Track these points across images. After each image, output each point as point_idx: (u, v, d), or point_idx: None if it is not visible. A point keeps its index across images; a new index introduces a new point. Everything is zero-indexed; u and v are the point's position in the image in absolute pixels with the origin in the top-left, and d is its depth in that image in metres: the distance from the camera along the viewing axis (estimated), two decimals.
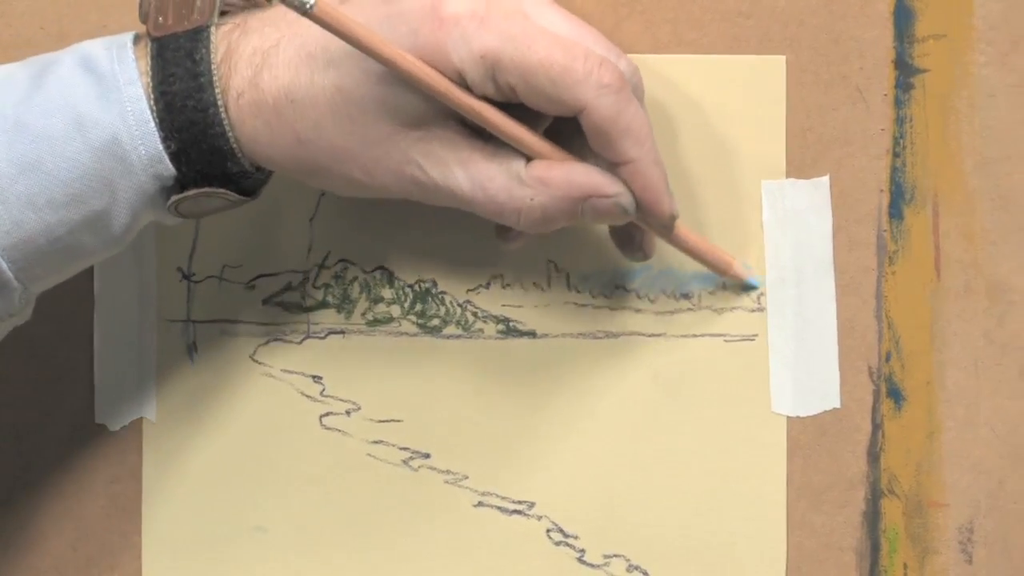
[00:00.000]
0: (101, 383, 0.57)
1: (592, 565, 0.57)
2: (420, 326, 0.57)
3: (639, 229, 0.53)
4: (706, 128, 0.56)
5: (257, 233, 0.57)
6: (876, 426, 0.57)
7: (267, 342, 0.57)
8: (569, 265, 0.57)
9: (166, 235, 0.57)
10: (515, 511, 0.57)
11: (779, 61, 0.57)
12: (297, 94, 0.48)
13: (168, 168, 0.47)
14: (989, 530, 0.57)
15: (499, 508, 0.57)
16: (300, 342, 0.57)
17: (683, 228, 0.53)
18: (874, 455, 0.57)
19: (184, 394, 0.57)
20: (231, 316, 0.57)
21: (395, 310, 0.57)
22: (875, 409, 0.57)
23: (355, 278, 0.57)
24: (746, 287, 0.56)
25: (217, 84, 0.47)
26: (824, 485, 0.57)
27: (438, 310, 0.57)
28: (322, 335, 0.57)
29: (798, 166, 0.57)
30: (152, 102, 0.47)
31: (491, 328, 0.57)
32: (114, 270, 0.57)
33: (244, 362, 0.57)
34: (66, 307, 0.57)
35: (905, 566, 0.57)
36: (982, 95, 0.56)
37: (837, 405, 0.57)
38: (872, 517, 0.57)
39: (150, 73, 0.47)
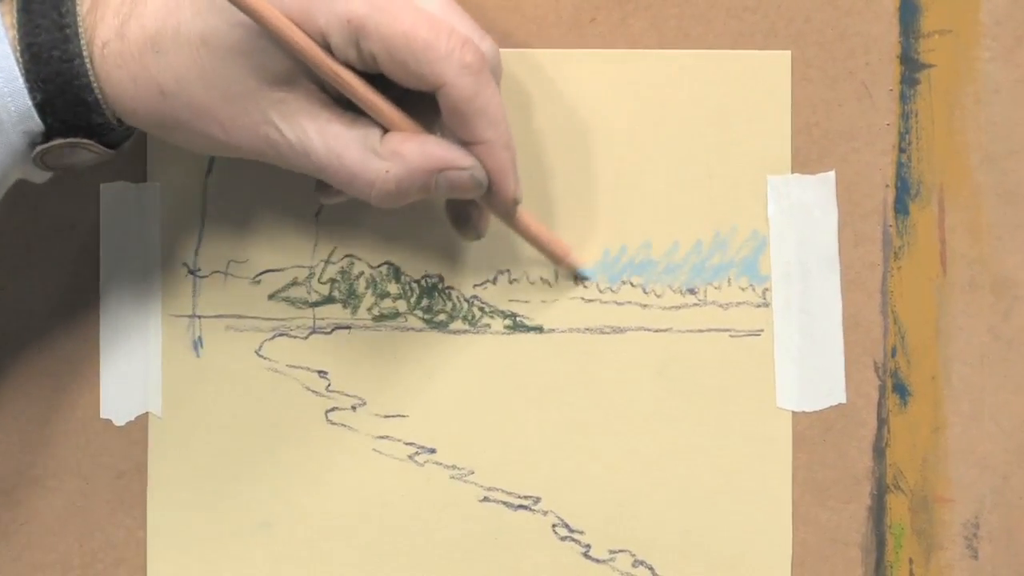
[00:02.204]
0: (106, 378, 0.57)
1: (598, 560, 0.57)
2: (426, 321, 0.57)
3: (476, 208, 0.53)
4: (711, 123, 0.56)
5: (263, 228, 0.57)
6: (882, 421, 0.57)
7: (273, 337, 0.57)
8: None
9: (172, 230, 0.57)
10: (521, 506, 0.57)
11: (784, 56, 0.57)
12: (163, 44, 0.48)
13: (38, 125, 0.48)
14: (995, 525, 0.57)
15: (505, 503, 0.57)
16: (306, 337, 0.57)
17: (524, 213, 0.53)
18: (879, 450, 0.57)
19: (189, 389, 0.57)
20: (237, 311, 0.57)
21: (401, 305, 0.57)
22: (880, 404, 0.57)
23: (361, 273, 0.57)
24: (579, 277, 0.56)
25: (83, 35, 0.48)
26: (829, 480, 0.57)
27: (444, 305, 0.57)
28: (328, 330, 0.57)
29: (803, 161, 0.57)
30: (18, 54, 0.47)
31: (498, 323, 0.57)
32: (119, 265, 0.57)
33: (250, 357, 0.57)
34: (71, 302, 0.57)
35: (910, 561, 0.57)
36: (988, 90, 0.56)
37: (843, 400, 0.57)
38: (877, 512, 0.57)
39: (16, 27, 0.48)
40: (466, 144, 0.49)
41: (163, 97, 0.48)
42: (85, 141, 0.49)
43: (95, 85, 0.48)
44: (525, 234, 0.54)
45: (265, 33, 0.47)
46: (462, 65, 0.48)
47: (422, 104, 0.50)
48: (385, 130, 0.49)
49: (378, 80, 0.49)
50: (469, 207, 0.53)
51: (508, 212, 0.52)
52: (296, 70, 0.48)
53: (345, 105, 0.49)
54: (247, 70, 0.48)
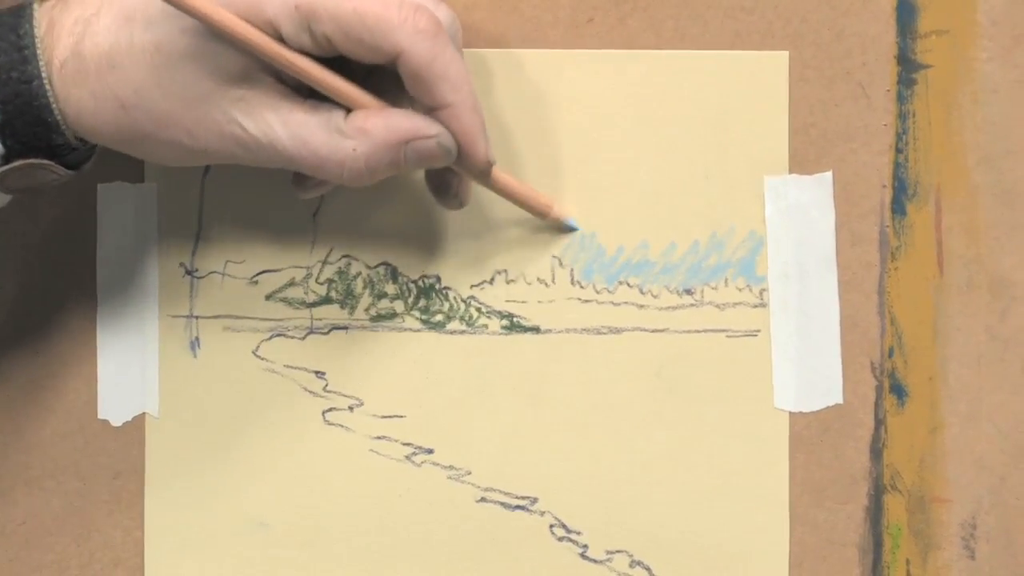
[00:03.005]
0: (104, 378, 0.57)
1: (595, 561, 0.57)
2: (423, 322, 0.57)
3: (455, 175, 0.53)
4: (709, 124, 0.56)
5: (260, 229, 0.57)
6: (879, 422, 0.57)
7: (270, 337, 0.57)
8: (572, 260, 0.57)
9: (169, 231, 0.57)
10: (518, 507, 0.57)
11: (782, 57, 0.57)
12: (118, 58, 0.48)
13: None
14: (992, 526, 0.57)
15: (502, 504, 0.57)
16: (303, 338, 0.57)
17: (500, 173, 0.53)
18: (877, 451, 0.57)
19: (187, 390, 0.57)
20: (234, 312, 0.57)
21: (398, 306, 0.57)
22: (878, 405, 0.57)
23: (358, 274, 0.57)
24: (565, 229, 0.56)
25: (41, 56, 0.48)
26: (827, 481, 0.57)
27: (442, 306, 0.57)
28: (325, 331, 0.57)
29: (801, 162, 0.57)
30: None
31: (495, 324, 0.57)
32: (117, 265, 0.57)
33: (247, 358, 0.57)
34: (68, 302, 0.57)
35: (908, 562, 0.57)
36: (985, 91, 0.56)
37: (840, 401, 0.57)
38: (875, 513, 0.57)
39: None
40: (431, 111, 0.49)
41: (124, 111, 0.48)
42: (45, 162, 0.49)
43: (54, 105, 0.48)
44: (505, 193, 0.54)
45: (217, 34, 0.47)
46: (416, 31, 0.48)
47: (386, 82, 0.50)
48: (349, 111, 0.49)
49: (337, 63, 0.49)
50: (448, 176, 0.53)
51: (483, 174, 0.52)
52: (252, 66, 0.48)
53: (306, 93, 0.49)
54: (204, 73, 0.48)
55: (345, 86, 0.49)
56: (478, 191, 0.54)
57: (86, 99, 0.48)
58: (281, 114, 0.49)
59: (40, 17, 0.49)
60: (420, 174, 0.54)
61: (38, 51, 0.48)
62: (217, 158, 0.50)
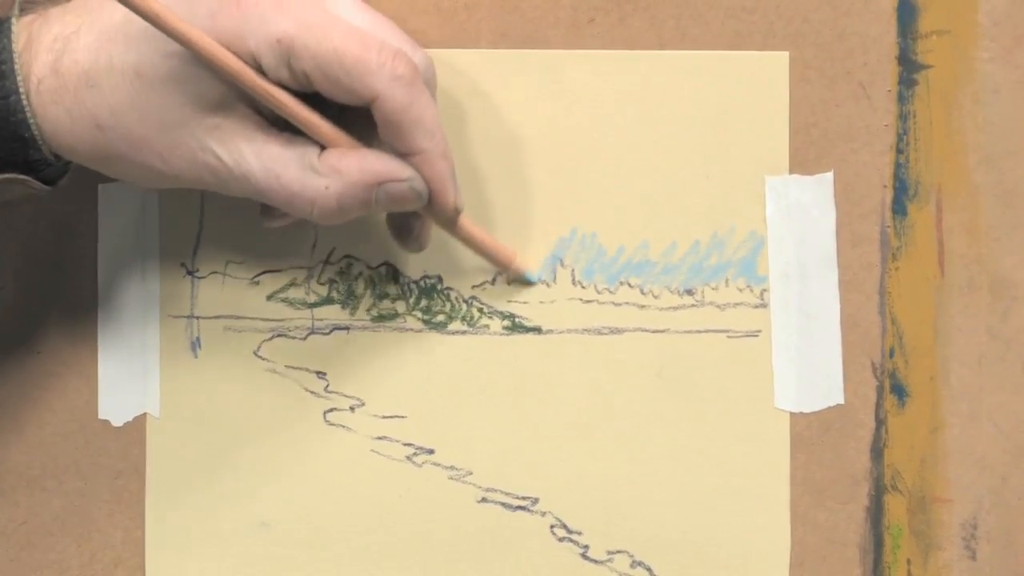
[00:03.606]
0: (105, 379, 0.57)
1: (596, 561, 0.57)
2: (425, 322, 0.57)
3: (419, 219, 0.53)
4: (710, 124, 0.56)
5: (261, 229, 0.57)
6: (880, 422, 0.57)
7: (271, 338, 0.57)
8: (574, 261, 0.57)
9: (170, 231, 0.57)
10: (519, 507, 0.57)
11: (782, 57, 0.57)
12: (97, 78, 0.48)
13: None
14: (993, 526, 0.57)
15: (503, 504, 0.57)
16: (304, 338, 0.57)
17: (466, 221, 0.53)
18: (878, 451, 0.57)
19: (188, 390, 0.57)
20: (235, 312, 0.57)
21: (400, 306, 0.57)
22: (879, 405, 0.57)
23: (360, 274, 0.57)
24: (525, 282, 0.57)
25: (19, 72, 0.48)
26: (828, 481, 0.57)
27: (443, 306, 0.57)
28: (326, 331, 0.57)
29: (801, 162, 0.57)
30: None
31: (496, 324, 0.57)
32: (118, 266, 0.57)
33: (248, 358, 0.57)
34: (69, 303, 0.57)
35: (909, 562, 0.57)
36: (986, 91, 0.56)
37: (841, 401, 0.57)
38: (876, 513, 0.57)
39: None
40: (404, 156, 0.49)
41: (99, 131, 0.48)
42: (21, 177, 0.49)
43: (32, 121, 0.48)
44: (469, 242, 0.54)
45: (197, 60, 0.47)
46: (393, 77, 0.48)
47: (360, 120, 0.50)
48: (323, 148, 0.49)
49: (314, 99, 0.49)
50: (411, 219, 0.53)
51: (450, 221, 0.52)
52: (230, 95, 0.48)
53: (282, 126, 0.49)
54: (182, 98, 0.48)
55: (321, 123, 0.49)
56: (478, 190, 0.54)
57: (63, 117, 0.48)
58: (255, 145, 0.49)
59: (19, 32, 0.48)
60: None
61: (16, 67, 0.48)
62: (188, 184, 0.50)
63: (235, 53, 0.47)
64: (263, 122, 0.49)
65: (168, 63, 0.47)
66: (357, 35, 0.48)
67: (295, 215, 0.50)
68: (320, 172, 0.49)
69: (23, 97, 0.48)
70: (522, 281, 0.57)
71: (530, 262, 0.57)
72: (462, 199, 0.52)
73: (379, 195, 0.49)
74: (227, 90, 0.48)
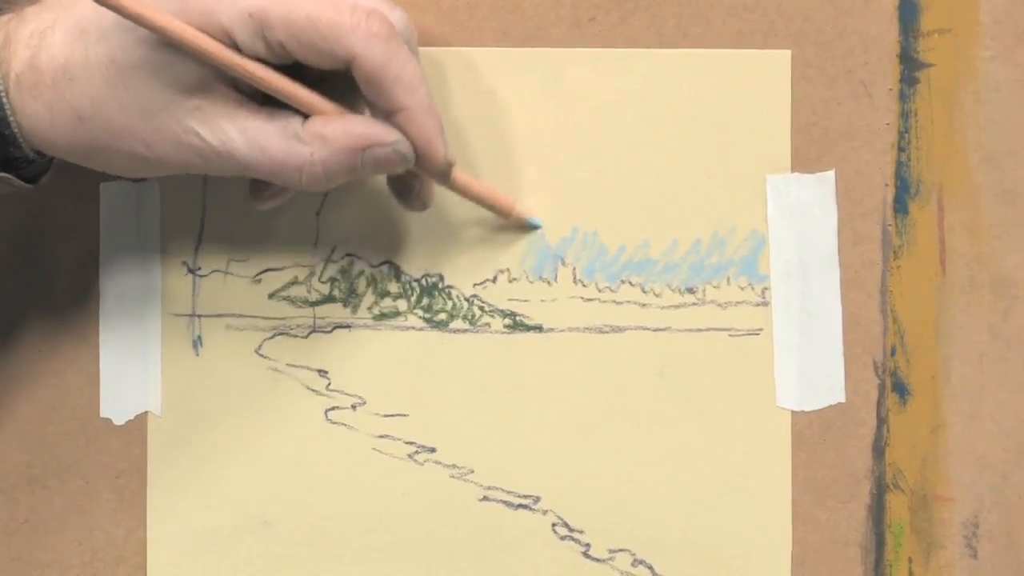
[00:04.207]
0: (106, 377, 0.57)
1: (597, 559, 0.57)
2: (427, 320, 0.57)
3: (417, 178, 0.53)
4: (711, 123, 0.56)
5: (263, 227, 0.57)
6: (881, 420, 0.57)
7: (272, 336, 0.57)
8: (575, 259, 0.57)
9: (172, 229, 0.57)
10: (521, 505, 0.57)
11: (784, 56, 0.57)
12: (74, 71, 0.48)
13: None
14: (994, 524, 0.57)
15: (505, 502, 0.57)
16: (306, 336, 0.57)
17: (460, 173, 0.53)
18: (879, 450, 0.57)
19: (189, 388, 0.57)
20: (236, 310, 0.57)
21: (401, 304, 0.57)
22: (880, 403, 0.57)
23: (361, 272, 0.57)
24: (529, 227, 0.56)
25: None
26: (829, 480, 0.57)
27: (445, 304, 0.57)
28: (328, 329, 0.57)
29: (803, 160, 0.57)
30: None
31: (497, 322, 0.57)
32: (119, 264, 0.57)
33: (249, 356, 0.57)
34: (71, 301, 0.57)
35: (910, 560, 0.57)
36: (987, 89, 0.56)
37: (842, 399, 0.57)
38: (877, 512, 0.57)
39: None
40: (388, 115, 0.49)
41: (81, 123, 0.48)
42: (2, 175, 0.49)
43: (12, 119, 0.48)
44: (466, 194, 0.54)
45: (172, 44, 0.47)
46: (369, 35, 0.48)
47: (342, 86, 0.50)
48: (307, 117, 0.49)
49: (293, 69, 0.49)
50: (409, 178, 0.53)
51: (443, 175, 0.52)
52: (208, 75, 0.48)
53: (262, 100, 0.50)
54: (159, 84, 0.48)
55: (301, 92, 0.49)
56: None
57: (42, 112, 0.48)
58: (238, 122, 0.49)
59: None
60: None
61: None
62: (174, 168, 0.50)
63: (208, 32, 0.47)
64: (243, 98, 0.49)
65: (142, 50, 0.48)
66: None
67: (284, 185, 0.50)
68: (305, 140, 0.49)
69: (2, 95, 0.48)
70: (526, 227, 0.56)
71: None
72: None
73: (365, 159, 0.49)
74: (204, 71, 0.48)
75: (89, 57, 0.48)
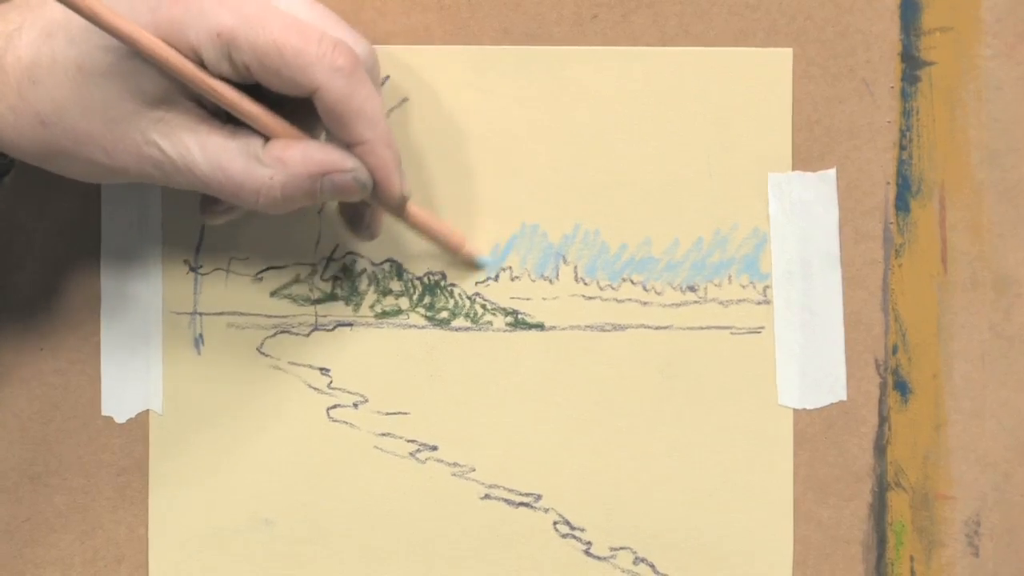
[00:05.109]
0: (107, 375, 0.57)
1: (599, 558, 0.57)
2: (428, 318, 0.57)
3: (368, 208, 0.53)
4: (713, 121, 0.56)
5: (265, 225, 0.57)
6: (883, 419, 0.57)
7: (274, 334, 0.57)
8: (576, 257, 0.57)
9: (173, 227, 0.57)
10: (522, 503, 0.57)
11: (786, 54, 0.57)
12: (39, 74, 0.48)
13: None
14: (996, 523, 0.57)
15: (506, 500, 0.57)
16: (307, 334, 0.57)
17: (414, 208, 0.53)
18: (881, 448, 0.57)
19: (191, 386, 0.57)
20: (238, 308, 0.57)
21: (403, 302, 0.57)
22: (882, 402, 0.57)
23: (363, 270, 0.57)
24: (476, 266, 0.57)
25: None
26: (831, 478, 0.57)
27: (447, 302, 0.57)
28: (330, 327, 0.57)
29: (805, 159, 0.57)
30: None
31: (499, 321, 0.57)
32: (121, 262, 0.57)
33: (251, 354, 0.57)
34: (72, 299, 0.57)
35: (912, 559, 0.57)
36: (989, 88, 0.56)
37: (844, 398, 0.57)
38: (879, 510, 0.57)
39: None
40: (348, 146, 0.50)
41: (43, 127, 0.48)
42: None
43: None
44: (418, 227, 0.54)
45: (138, 54, 0.47)
46: (333, 68, 0.48)
47: (303, 111, 0.50)
48: (267, 139, 0.50)
49: (257, 90, 0.49)
50: (361, 208, 0.53)
51: (398, 209, 0.53)
52: (173, 88, 0.48)
53: (225, 118, 0.50)
54: (124, 93, 0.48)
55: (263, 114, 0.49)
56: (480, 186, 0.54)
57: (6, 113, 0.48)
58: (199, 137, 0.49)
59: None
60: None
61: None
62: (133, 177, 0.50)
63: (176, 47, 0.47)
64: (206, 114, 0.49)
65: (109, 58, 0.48)
66: (297, 27, 0.48)
67: (241, 206, 0.51)
68: (264, 163, 0.49)
69: None
70: (473, 266, 0.57)
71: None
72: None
73: (323, 185, 0.50)
74: (170, 84, 0.48)
75: (55, 61, 0.48)
